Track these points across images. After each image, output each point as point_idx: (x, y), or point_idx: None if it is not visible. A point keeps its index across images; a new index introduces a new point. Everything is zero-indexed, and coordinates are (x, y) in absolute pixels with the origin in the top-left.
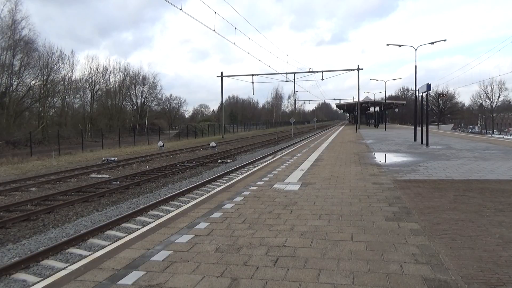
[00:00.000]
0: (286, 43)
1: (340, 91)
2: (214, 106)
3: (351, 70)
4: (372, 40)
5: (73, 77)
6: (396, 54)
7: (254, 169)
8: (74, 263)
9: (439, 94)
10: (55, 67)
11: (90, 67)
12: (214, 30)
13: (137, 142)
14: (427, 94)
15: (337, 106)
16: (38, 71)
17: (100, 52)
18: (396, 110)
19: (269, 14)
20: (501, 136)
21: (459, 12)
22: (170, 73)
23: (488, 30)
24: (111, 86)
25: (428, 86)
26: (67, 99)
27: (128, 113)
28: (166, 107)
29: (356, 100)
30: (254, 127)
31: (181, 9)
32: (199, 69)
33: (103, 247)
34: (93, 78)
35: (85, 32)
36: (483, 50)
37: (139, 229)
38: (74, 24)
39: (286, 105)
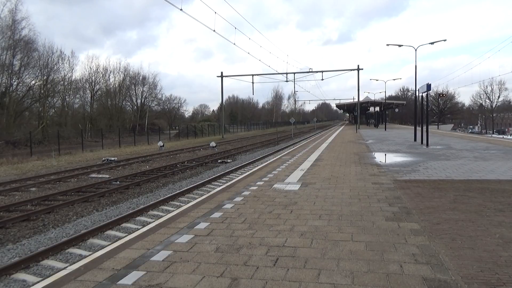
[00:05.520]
0: (292, 43)
1: (343, 91)
2: (214, 106)
3: (351, 70)
4: (379, 40)
5: (73, 77)
6: (398, 53)
7: (254, 169)
8: (74, 263)
9: (439, 94)
10: (55, 67)
11: (90, 67)
12: (214, 30)
13: (137, 142)
14: (427, 94)
15: (337, 106)
16: (38, 71)
17: (104, 52)
18: (396, 110)
19: (276, 13)
20: (501, 136)
21: (464, 11)
22: (173, 72)
23: (490, 29)
24: (111, 86)
25: (428, 86)
26: (67, 99)
27: (128, 113)
28: (166, 107)
29: (356, 100)
30: (254, 127)
31: (181, 9)
32: (202, 68)
33: (103, 247)
34: (93, 78)
35: (89, 31)
36: (487, 50)
37: (139, 229)
38: (80, 23)
39: (286, 105)
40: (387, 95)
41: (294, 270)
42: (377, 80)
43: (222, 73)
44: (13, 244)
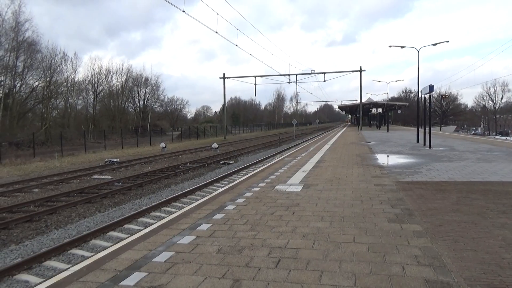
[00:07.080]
0: (296, 44)
1: (345, 92)
2: (217, 107)
3: (354, 71)
4: (383, 41)
5: (76, 79)
6: (402, 55)
7: (256, 171)
8: (77, 264)
9: (442, 96)
10: (58, 69)
11: (93, 69)
12: (216, 32)
13: (140, 143)
14: (429, 96)
15: (340, 107)
16: (41, 72)
17: (107, 53)
18: (399, 111)
19: (281, 14)
20: (504, 138)
21: (469, 12)
22: (176, 74)
23: (495, 30)
24: (113, 88)
25: (431, 88)
26: (70, 101)
27: (130, 115)
28: (168, 108)
29: (358, 101)
30: (256, 128)
31: (183, 11)
32: (205, 70)
33: (105, 248)
34: (96, 79)
35: (93, 32)
36: (491, 51)
37: (141, 230)
38: (84, 24)
39: (288, 107)
40: (389, 97)
41: (296, 271)
42: (379, 81)
43: (224, 74)
44: (15, 245)
